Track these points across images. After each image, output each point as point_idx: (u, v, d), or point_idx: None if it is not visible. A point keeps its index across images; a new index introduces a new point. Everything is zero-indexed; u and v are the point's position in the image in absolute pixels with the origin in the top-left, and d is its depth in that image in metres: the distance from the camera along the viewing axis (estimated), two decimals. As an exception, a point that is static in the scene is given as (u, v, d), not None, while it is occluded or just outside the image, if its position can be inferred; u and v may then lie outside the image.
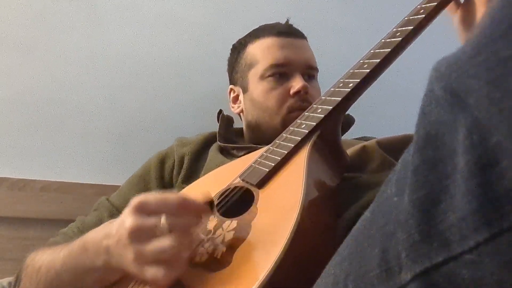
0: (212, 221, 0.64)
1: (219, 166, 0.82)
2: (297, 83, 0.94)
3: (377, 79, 0.70)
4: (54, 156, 1.19)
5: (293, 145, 0.68)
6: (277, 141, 0.74)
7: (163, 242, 0.54)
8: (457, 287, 0.27)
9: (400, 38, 0.66)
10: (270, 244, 0.54)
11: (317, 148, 0.68)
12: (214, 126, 1.03)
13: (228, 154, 0.95)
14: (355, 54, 0.74)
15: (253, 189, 0.66)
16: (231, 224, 0.61)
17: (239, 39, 1.07)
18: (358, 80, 0.68)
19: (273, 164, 0.67)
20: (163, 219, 0.55)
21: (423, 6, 0.66)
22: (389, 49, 0.66)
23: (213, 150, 0.96)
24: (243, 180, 0.69)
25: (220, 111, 1.05)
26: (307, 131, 0.69)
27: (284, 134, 0.74)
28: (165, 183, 0.95)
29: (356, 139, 0.96)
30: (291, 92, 0.94)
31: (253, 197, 0.64)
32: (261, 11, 1.32)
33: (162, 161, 0.98)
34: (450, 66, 0.28)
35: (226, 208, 0.67)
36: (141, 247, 0.55)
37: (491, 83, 0.25)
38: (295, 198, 0.58)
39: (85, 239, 0.65)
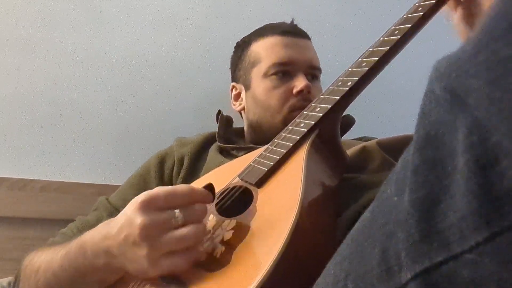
0: (211, 221, 0.64)
1: (218, 166, 0.82)
2: (300, 83, 0.94)
3: (377, 79, 0.70)
4: (54, 156, 1.19)
5: (291, 144, 0.68)
6: (276, 140, 0.74)
7: (182, 232, 0.55)
8: (457, 286, 0.27)
9: (399, 36, 0.66)
10: (269, 243, 0.54)
11: (316, 147, 0.68)
12: (214, 126, 1.03)
13: (227, 154, 0.95)
14: (354, 53, 0.74)
15: (252, 188, 0.66)
16: (230, 223, 0.61)
17: (243, 37, 1.07)
18: (357, 78, 0.68)
19: (272, 164, 0.67)
20: (177, 212, 0.56)
21: (421, 4, 0.66)
22: (388, 47, 0.67)
23: (212, 150, 0.96)
24: (242, 179, 0.69)
25: (219, 112, 1.05)
26: (306, 130, 0.69)
27: (283, 133, 0.74)
28: (165, 183, 0.95)
29: (356, 139, 0.96)
30: (294, 91, 0.94)
31: (252, 196, 0.64)
32: (261, 11, 1.32)
33: (162, 161, 0.98)
34: (450, 66, 0.28)
35: (225, 208, 0.67)
36: (156, 242, 0.55)
37: (491, 82, 0.25)
38: (294, 197, 0.58)
39: (83, 240, 0.65)
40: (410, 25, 0.65)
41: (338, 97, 0.69)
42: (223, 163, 0.84)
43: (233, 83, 1.08)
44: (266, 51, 0.99)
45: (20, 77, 1.17)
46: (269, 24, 1.05)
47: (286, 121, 0.90)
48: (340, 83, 0.71)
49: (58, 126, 1.20)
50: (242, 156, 0.85)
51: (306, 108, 0.75)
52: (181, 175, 0.94)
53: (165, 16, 1.28)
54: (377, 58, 0.67)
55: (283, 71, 0.96)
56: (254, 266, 0.53)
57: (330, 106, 0.69)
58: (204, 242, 0.60)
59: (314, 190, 0.63)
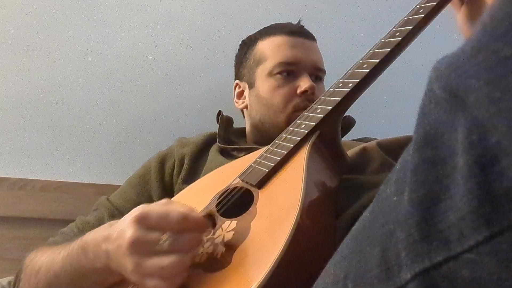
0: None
1: (219, 167, 0.82)
2: (304, 83, 0.94)
3: (377, 80, 0.70)
4: (54, 156, 1.19)
5: (292, 145, 0.68)
6: (276, 141, 0.74)
7: (163, 261, 0.54)
8: (457, 286, 0.27)
9: (400, 38, 0.66)
10: (269, 244, 0.54)
11: (317, 148, 0.68)
12: (214, 126, 1.03)
13: (228, 155, 0.95)
14: (356, 55, 0.74)
15: (252, 189, 0.66)
16: (230, 224, 0.61)
17: (250, 35, 1.07)
18: (358, 80, 0.68)
19: (272, 165, 0.67)
20: (165, 237, 0.55)
21: (422, 5, 0.66)
22: (389, 49, 0.67)
23: (213, 151, 0.96)
24: (242, 180, 0.69)
25: (220, 112, 1.05)
26: (306, 131, 0.69)
27: (283, 134, 0.74)
28: (165, 183, 0.95)
29: (356, 140, 0.96)
30: (298, 91, 0.94)
31: (253, 197, 0.64)
32: (261, 11, 1.32)
33: (162, 161, 0.98)
34: (449, 66, 0.28)
35: (226, 209, 0.67)
36: (141, 261, 0.55)
37: (491, 82, 0.25)
38: (294, 198, 0.58)
39: (84, 241, 0.65)
40: (411, 27, 0.65)
41: (339, 99, 0.69)
42: (224, 164, 0.84)
43: (237, 81, 1.08)
44: (272, 50, 0.99)
45: (20, 77, 1.18)
46: (276, 23, 1.06)
47: (289, 121, 0.90)
48: (341, 84, 0.71)
49: (58, 126, 1.20)
50: (243, 157, 0.85)
51: (307, 109, 0.76)
52: (182, 175, 0.94)
53: (165, 16, 1.28)
54: (378, 60, 0.67)
55: (288, 71, 0.96)
56: (255, 266, 0.53)
57: (331, 107, 0.69)
58: (204, 242, 0.60)
59: (315, 191, 0.63)
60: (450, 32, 0.51)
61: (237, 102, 1.07)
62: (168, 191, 0.93)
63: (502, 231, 0.25)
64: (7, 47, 1.17)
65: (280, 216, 0.58)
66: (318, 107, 0.73)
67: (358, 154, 0.78)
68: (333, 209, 0.66)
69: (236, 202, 0.67)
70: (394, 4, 1.29)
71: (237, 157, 0.91)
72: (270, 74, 0.97)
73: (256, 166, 0.70)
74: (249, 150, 0.90)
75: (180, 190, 0.85)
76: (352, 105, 0.72)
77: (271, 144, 0.74)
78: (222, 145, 0.96)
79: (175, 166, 0.96)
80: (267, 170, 0.67)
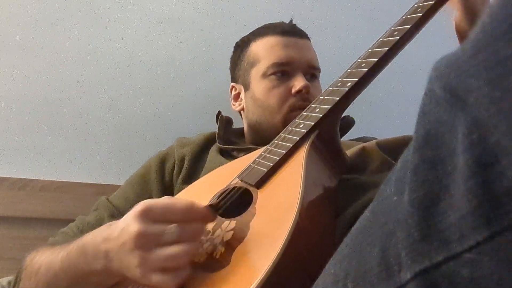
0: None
1: (218, 167, 0.82)
2: (299, 82, 0.94)
3: (376, 79, 0.70)
4: (54, 156, 1.19)
5: (291, 145, 0.68)
6: (275, 141, 0.74)
7: (171, 251, 0.54)
8: (457, 286, 0.27)
9: (398, 37, 0.66)
10: (268, 243, 0.54)
11: (316, 148, 0.68)
12: (214, 126, 1.03)
13: (228, 155, 0.95)
14: (356, 54, 0.74)
15: (251, 189, 0.66)
16: (229, 224, 0.61)
17: (243, 37, 1.07)
18: (356, 79, 0.68)
19: (271, 164, 0.67)
20: (172, 228, 0.55)
21: (420, 4, 0.66)
22: (387, 48, 0.67)
23: (213, 151, 0.96)
24: (241, 180, 0.69)
25: (219, 113, 1.05)
26: (305, 131, 0.69)
27: (282, 134, 0.74)
28: (165, 183, 0.95)
29: (356, 139, 0.96)
30: (293, 91, 0.94)
31: (252, 197, 0.64)
32: (261, 11, 1.32)
33: (162, 161, 0.98)
34: (449, 65, 0.28)
35: (225, 209, 0.67)
36: (147, 254, 0.55)
37: (491, 82, 0.25)
38: (293, 198, 0.58)
39: (83, 242, 0.65)
40: (409, 26, 0.66)
41: (338, 98, 0.69)
42: (223, 164, 0.84)
43: (233, 83, 1.08)
44: (265, 51, 0.99)
45: (20, 77, 1.18)
46: (268, 24, 1.05)
47: (285, 121, 0.90)
48: (339, 84, 0.71)
49: (58, 126, 1.20)
50: (242, 157, 0.85)
51: (305, 109, 0.76)
52: (182, 175, 0.94)
53: (165, 16, 1.28)
54: (377, 59, 0.67)
55: (282, 71, 0.96)
56: (254, 266, 0.53)
57: (329, 107, 0.69)
58: (204, 242, 0.60)
59: (314, 191, 0.63)
60: (450, 31, 0.51)
61: (234, 104, 1.07)
62: (168, 191, 0.93)
63: (502, 231, 0.25)
64: (7, 47, 1.17)
65: (279, 215, 0.58)
66: (317, 106, 0.73)
67: (357, 154, 0.78)
68: (333, 209, 0.66)
69: (235, 202, 0.67)
70: (389, 1, 1.29)
71: (236, 157, 0.91)
72: (265, 75, 0.97)
73: (255, 166, 0.70)
74: (248, 150, 0.90)
75: (180, 190, 0.85)
76: (351, 105, 0.72)
77: (270, 144, 0.74)
78: (222, 146, 0.96)
79: (175, 166, 0.96)
80: (266, 170, 0.67)
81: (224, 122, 1.02)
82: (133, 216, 0.57)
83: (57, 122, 1.20)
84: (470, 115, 0.26)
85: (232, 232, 0.59)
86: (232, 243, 0.57)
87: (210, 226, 0.63)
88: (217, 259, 0.57)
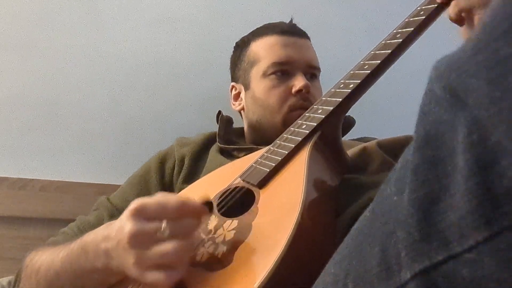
0: (212, 221, 0.64)
1: (219, 167, 0.82)
2: (299, 82, 0.94)
3: (378, 80, 0.70)
4: (54, 156, 1.19)
5: (293, 145, 0.69)
6: (277, 141, 0.74)
7: (165, 247, 0.54)
8: (457, 286, 0.27)
9: (401, 40, 0.66)
10: (270, 243, 0.54)
11: (318, 148, 0.68)
12: (214, 126, 1.03)
13: (228, 155, 0.95)
14: (356, 54, 0.74)
15: (254, 189, 0.66)
16: (231, 223, 0.61)
17: (243, 37, 1.07)
18: (359, 81, 0.68)
19: (273, 164, 0.67)
20: (164, 225, 0.55)
21: (423, 7, 0.66)
22: (390, 51, 0.67)
23: (213, 151, 0.96)
24: (243, 180, 0.69)
25: (219, 112, 1.05)
26: (307, 132, 0.69)
27: (284, 135, 0.74)
28: (165, 183, 0.95)
29: (356, 139, 0.96)
30: (293, 90, 0.94)
31: (254, 197, 0.64)
32: (261, 11, 1.32)
33: (162, 161, 0.98)
34: (449, 66, 0.28)
35: (227, 208, 0.67)
36: (142, 252, 0.55)
37: (491, 82, 0.25)
38: (295, 198, 0.58)
39: (84, 241, 0.65)
40: (412, 28, 0.66)
41: (340, 99, 0.69)
42: (224, 164, 0.84)
43: (233, 83, 1.08)
44: (265, 51, 0.99)
45: (20, 77, 1.18)
46: (268, 23, 1.06)
47: (285, 121, 0.90)
48: (342, 85, 0.72)
49: (58, 126, 1.20)
50: (244, 157, 0.85)
51: (308, 110, 0.76)
52: (182, 175, 0.94)
53: (165, 16, 1.28)
54: (379, 61, 0.67)
55: (282, 71, 0.96)
56: (256, 266, 0.53)
57: (332, 108, 0.70)
58: (205, 242, 0.61)
59: (316, 191, 0.63)
60: (450, 32, 0.51)
61: (234, 104, 1.07)
62: (168, 191, 0.93)
63: (502, 231, 0.25)
64: (7, 46, 1.17)
65: (281, 215, 0.58)
66: (319, 107, 0.73)
67: (358, 154, 0.78)
68: (334, 209, 0.66)
69: (237, 202, 0.67)
70: (389, 1, 1.29)
71: (237, 157, 0.91)
72: (265, 74, 0.97)
73: (257, 166, 0.70)
74: (249, 150, 0.90)
75: (180, 190, 0.85)
76: (352, 106, 0.72)
77: (272, 144, 0.74)
78: (222, 145, 0.96)
79: (175, 166, 0.96)
80: (268, 170, 0.67)
81: (225, 121, 1.02)
82: (127, 215, 0.57)
83: (57, 122, 1.20)
84: (470, 115, 0.26)
85: (234, 231, 0.59)
86: (234, 243, 0.58)
87: (212, 225, 0.63)
88: (219, 258, 0.57)
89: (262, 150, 0.75)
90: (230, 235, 0.59)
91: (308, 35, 1.04)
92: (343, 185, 0.70)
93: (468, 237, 0.26)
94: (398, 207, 0.30)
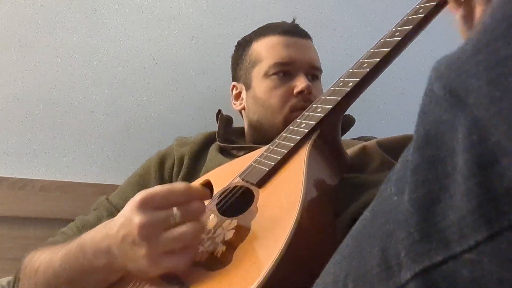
0: (212, 220, 0.64)
1: (218, 166, 0.82)
2: (300, 83, 0.94)
3: (377, 79, 0.70)
4: (54, 156, 1.19)
5: (293, 144, 0.69)
6: (277, 140, 0.74)
7: (178, 231, 0.55)
8: (457, 286, 0.27)
9: (400, 38, 0.66)
10: (270, 243, 0.54)
11: (317, 147, 0.68)
12: (214, 126, 1.03)
13: (228, 154, 0.95)
14: (358, 55, 0.74)
15: (253, 188, 0.66)
16: (231, 223, 0.61)
17: (244, 36, 1.07)
18: (358, 79, 0.68)
19: (273, 164, 0.67)
20: (175, 210, 0.56)
21: (422, 5, 0.66)
22: (389, 49, 0.67)
23: (213, 150, 0.96)
24: (243, 179, 0.69)
25: (219, 111, 1.05)
26: (307, 130, 0.69)
27: (284, 134, 0.74)
28: (165, 183, 0.94)
29: (356, 139, 0.96)
30: (295, 91, 0.94)
31: (253, 196, 0.64)
32: (261, 11, 1.32)
33: (161, 160, 0.98)
34: (449, 65, 0.28)
35: (226, 208, 0.67)
36: (154, 241, 0.55)
37: (491, 82, 0.25)
38: (295, 197, 0.58)
39: (83, 240, 0.65)
40: (411, 26, 0.66)
41: (339, 98, 0.69)
42: (223, 163, 0.84)
43: (234, 83, 1.08)
44: (267, 51, 0.99)
45: (20, 77, 1.17)
46: (271, 23, 1.05)
47: (286, 121, 0.90)
48: (341, 83, 0.71)
49: (58, 126, 1.20)
50: (243, 156, 0.85)
51: (307, 109, 0.76)
52: (181, 174, 0.94)
53: (164, 16, 1.28)
54: (378, 60, 0.67)
55: (284, 71, 0.96)
56: (255, 265, 0.53)
57: (331, 106, 0.69)
58: (205, 241, 0.61)
59: (315, 190, 0.63)
60: (450, 32, 0.51)
61: (234, 104, 1.07)
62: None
63: (502, 231, 0.25)
64: (7, 46, 1.17)
65: (280, 215, 0.58)
66: (319, 106, 0.73)
67: (358, 153, 0.78)
68: (334, 208, 0.66)
69: (237, 201, 0.67)
70: (391, 2, 1.29)
71: (236, 156, 0.91)
72: (266, 75, 0.97)
73: (257, 165, 0.70)
74: (249, 149, 0.90)
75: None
76: (352, 104, 0.72)
77: (272, 143, 0.74)
78: (222, 144, 0.96)
79: (175, 165, 0.96)
80: (267, 169, 0.67)
81: (224, 120, 1.02)
82: (133, 208, 0.57)
83: (57, 122, 1.20)
84: (470, 115, 0.26)
85: (233, 231, 0.59)
86: (233, 242, 0.58)
87: (211, 225, 0.63)
88: (218, 258, 0.57)
89: (262, 149, 0.75)
90: (229, 235, 0.59)
91: (310, 35, 1.04)
92: (343, 184, 0.70)
93: (468, 237, 0.26)
94: (398, 207, 0.30)
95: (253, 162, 0.71)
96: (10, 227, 1.13)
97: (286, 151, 0.68)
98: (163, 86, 1.27)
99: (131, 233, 0.56)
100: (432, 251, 0.27)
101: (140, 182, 0.95)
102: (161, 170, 0.96)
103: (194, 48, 1.29)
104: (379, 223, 0.32)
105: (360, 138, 0.96)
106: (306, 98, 0.93)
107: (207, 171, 0.85)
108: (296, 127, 0.73)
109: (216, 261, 0.57)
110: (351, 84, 0.69)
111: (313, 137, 0.69)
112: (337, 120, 0.72)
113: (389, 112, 1.39)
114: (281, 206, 0.60)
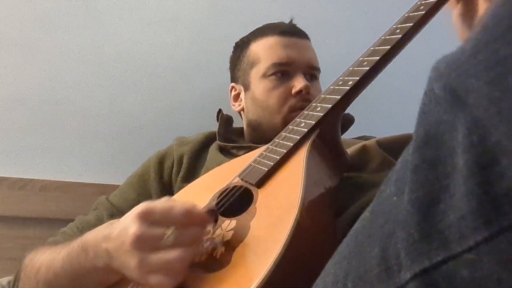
0: (211, 221, 0.64)
1: (218, 166, 0.82)
2: (299, 83, 0.94)
3: (377, 78, 0.69)
4: (54, 156, 1.19)
5: (292, 144, 0.68)
6: (276, 140, 0.73)
7: (169, 256, 0.54)
8: (457, 286, 0.27)
9: (400, 35, 0.66)
10: (269, 243, 0.54)
11: (317, 146, 0.68)
12: (214, 126, 1.03)
13: (227, 153, 0.95)
14: (357, 54, 0.74)
15: (252, 188, 0.66)
16: (230, 223, 0.61)
17: (242, 37, 1.07)
18: (358, 77, 0.68)
19: (272, 164, 0.67)
20: (169, 232, 0.55)
21: (423, 2, 0.66)
22: (389, 46, 0.66)
23: (213, 149, 0.96)
24: (242, 179, 0.69)
25: (220, 111, 1.05)
26: (306, 130, 0.69)
27: (283, 133, 0.74)
28: (164, 183, 0.95)
29: (356, 138, 0.96)
30: (293, 91, 0.94)
31: (252, 196, 0.64)
32: (261, 11, 1.32)
33: (161, 160, 0.98)
34: (449, 65, 0.28)
35: (225, 208, 0.67)
36: (145, 256, 0.55)
37: (491, 82, 0.25)
38: (294, 197, 0.58)
39: (84, 240, 0.65)
40: (412, 24, 0.65)
41: (339, 97, 0.69)
42: (223, 162, 0.84)
43: (233, 84, 1.08)
44: (265, 52, 0.99)
45: (20, 77, 1.18)
46: (268, 24, 1.05)
47: (285, 122, 0.90)
48: (341, 82, 0.71)
49: (58, 126, 1.20)
50: (242, 156, 0.85)
51: (306, 108, 0.75)
52: (181, 174, 0.94)
53: (164, 16, 1.28)
54: (378, 58, 0.67)
55: (282, 72, 0.96)
56: (255, 266, 0.53)
57: (330, 105, 0.69)
58: (204, 242, 0.60)
59: (315, 190, 0.63)
60: (450, 31, 0.51)
61: (233, 105, 1.07)
62: (167, 191, 0.93)
63: (502, 231, 0.25)
64: (7, 46, 1.17)
65: (279, 215, 0.58)
66: (318, 105, 0.72)
67: (358, 152, 0.78)
68: (333, 208, 0.66)
69: (236, 201, 0.67)
70: (390, 1, 1.29)
71: (236, 155, 0.91)
72: (265, 75, 0.97)
73: (256, 165, 0.70)
74: (248, 149, 0.90)
75: (180, 189, 0.85)
76: (351, 104, 0.71)
77: (271, 143, 0.74)
78: (222, 143, 0.96)
79: (174, 165, 0.96)
80: (266, 169, 0.67)
81: (225, 120, 1.02)
82: (132, 217, 0.57)
83: (57, 122, 1.20)
84: (470, 115, 0.26)
85: (232, 231, 0.59)
86: (233, 243, 0.57)
87: (210, 225, 0.63)
88: (217, 258, 0.57)
89: (261, 149, 0.74)
90: (228, 236, 0.59)
91: (308, 35, 1.03)
92: (343, 184, 0.70)
93: (468, 237, 0.26)
94: (398, 207, 0.30)
95: (253, 162, 0.71)
96: (10, 227, 1.13)
97: (285, 151, 0.68)
98: (163, 86, 1.27)
99: (126, 242, 0.56)
100: (432, 251, 0.27)
101: (140, 182, 0.95)
102: (161, 170, 0.96)
103: (194, 48, 1.29)
104: (379, 223, 0.32)
105: (360, 138, 0.95)
106: (304, 98, 0.93)
107: (207, 170, 0.85)
108: (295, 126, 0.73)
109: (215, 262, 0.57)
110: (351, 82, 0.69)
111: (313, 136, 0.68)
112: (336, 119, 0.71)
113: (389, 111, 1.39)
114: (280, 207, 0.60)
